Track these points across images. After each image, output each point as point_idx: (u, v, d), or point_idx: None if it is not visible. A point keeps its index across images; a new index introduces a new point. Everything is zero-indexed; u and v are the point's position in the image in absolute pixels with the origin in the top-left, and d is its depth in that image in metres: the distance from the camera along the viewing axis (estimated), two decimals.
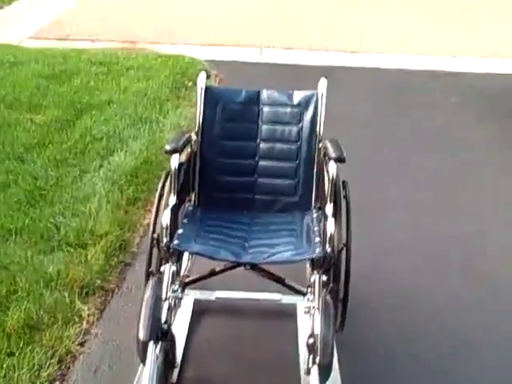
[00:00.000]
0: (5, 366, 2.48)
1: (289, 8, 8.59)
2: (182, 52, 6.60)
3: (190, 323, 2.84)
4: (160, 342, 2.13)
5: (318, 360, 1.98)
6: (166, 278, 2.27)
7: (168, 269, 2.29)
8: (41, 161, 4.15)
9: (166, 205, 2.41)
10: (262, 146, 2.74)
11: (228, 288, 2.90)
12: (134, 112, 5.03)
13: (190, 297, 2.97)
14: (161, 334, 2.14)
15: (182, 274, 2.72)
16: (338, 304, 2.49)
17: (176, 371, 2.53)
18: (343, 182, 2.59)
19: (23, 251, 3.19)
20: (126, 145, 4.46)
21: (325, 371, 2.01)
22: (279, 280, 2.58)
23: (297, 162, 2.71)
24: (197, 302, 2.95)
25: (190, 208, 2.70)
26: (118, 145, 4.46)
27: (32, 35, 7.41)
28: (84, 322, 2.80)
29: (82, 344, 2.70)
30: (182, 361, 2.60)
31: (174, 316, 2.40)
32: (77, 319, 2.81)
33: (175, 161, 2.45)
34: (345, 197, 2.55)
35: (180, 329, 2.78)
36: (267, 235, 2.53)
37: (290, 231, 2.53)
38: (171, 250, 2.31)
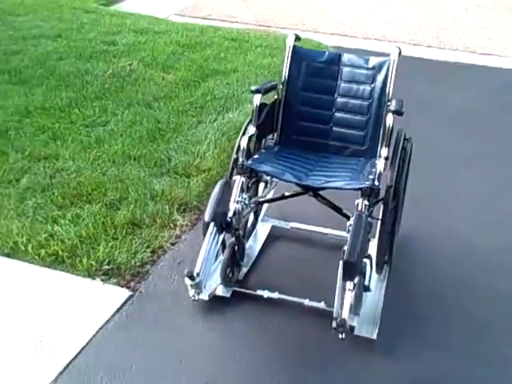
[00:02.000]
0: (109, 245, 3.12)
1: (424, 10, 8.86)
2: (312, 38, 7.09)
3: (264, 243, 3.36)
4: (224, 232, 2.67)
5: (343, 257, 2.42)
6: (236, 185, 2.79)
7: (238, 179, 2.82)
8: (165, 109, 4.83)
9: (246, 133, 2.95)
10: (339, 100, 3.18)
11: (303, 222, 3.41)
12: (255, 81, 5.56)
13: (269, 223, 3.51)
14: (225, 224, 2.67)
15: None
16: (387, 236, 2.91)
17: (243, 271, 3.06)
18: (405, 136, 3.01)
19: (137, 172, 3.85)
20: (242, 106, 5.02)
21: (347, 269, 2.42)
22: (336, 208, 3.02)
23: (367, 116, 3.13)
24: (274, 229, 3.47)
25: (271, 144, 3.22)
26: (235, 105, 5.04)
27: (177, 12, 8.24)
28: (177, 229, 3.40)
29: (173, 244, 3.29)
30: (251, 266, 3.13)
31: (242, 221, 2.91)
32: (172, 226, 3.41)
33: (257, 99, 2.99)
34: (404, 148, 2.96)
35: (255, 245, 3.33)
36: (330, 170, 2.98)
37: (351, 170, 2.97)
38: (244, 167, 2.84)
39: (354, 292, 2.57)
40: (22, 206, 3.40)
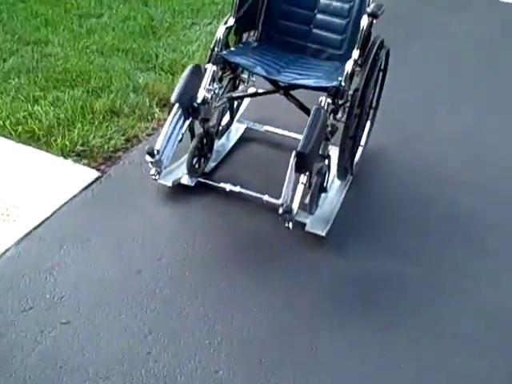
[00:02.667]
0: (85, 129, 3.22)
1: None
2: None
3: (236, 143, 3.45)
4: (190, 118, 2.76)
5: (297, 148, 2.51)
6: (207, 73, 2.85)
7: (210, 67, 2.87)
8: (162, 8, 4.83)
9: (225, 23, 2.98)
10: (322, 1, 3.19)
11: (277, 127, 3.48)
12: None
13: (244, 125, 3.58)
14: (191, 109, 2.75)
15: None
16: (350, 142, 2.99)
17: (211, 165, 3.17)
18: (383, 44, 3.04)
19: (123, 64, 3.91)
20: None
21: (300, 160, 2.51)
22: (304, 109, 3.07)
23: (347, 19, 3.13)
24: (248, 131, 3.55)
25: (250, 40, 3.25)
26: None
27: None
28: (155, 122, 3.49)
29: (148, 135, 3.39)
30: (219, 163, 3.24)
31: (212, 112, 2.98)
32: (149, 118, 3.50)
33: None
34: (377, 53, 2.99)
35: (227, 143, 3.42)
36: (302, 69, 3.01)
37: (323, 71, 3.00)
38: (218, 57, 2.89)
39: (308, 188, 2.69)
40: (5, 84, 3.49)
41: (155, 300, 2.39)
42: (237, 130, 3.54)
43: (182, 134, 2.77)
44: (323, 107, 2.66)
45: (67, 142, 3.11)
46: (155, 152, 2.59)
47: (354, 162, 3.26)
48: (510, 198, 3.27)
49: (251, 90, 3.38)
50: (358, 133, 3.06)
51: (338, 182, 3.22)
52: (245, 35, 3.27)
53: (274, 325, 2.36)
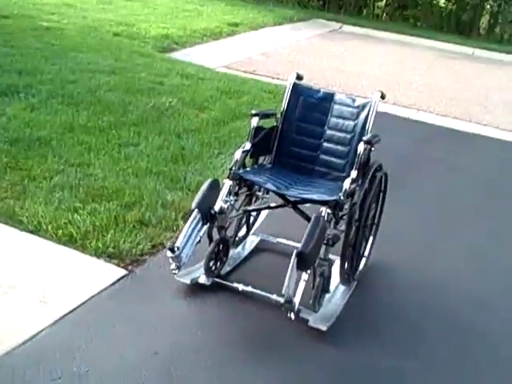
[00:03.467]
0: (117, 235, 3.66)
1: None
2: None
3: (251, 252, 3.84)
4: (208, 224, 3.18)
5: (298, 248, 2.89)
6: (225, 187, 3.31)
7: (227, 182, 3.34)
8: (192, 140, 5.42)
9: (242, 147, 3.49)
10: (328, 132, 3.69)
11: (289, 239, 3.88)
12: None
13: (258, 237, 3.99)
14: (209, 216, 3.18)
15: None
16: (348, 249, 3.36)
17: (226, 269, 3.54)
18: (380, 165, 3.50)
19: (154, 184, 4.41)
20: None
21: (300, 259, 2.87)
22: (309, 219, 3.45)
23: (349, 147, 3.62)
24: (262, 242, 3.96)
25: (265, 163, 3.74)
26: None
27: (225, 65, 8.97)
28: (178, 232, 3.89)
29: (173, 242, 3.79)
30: (234, 267, 3.61)
31: (227, 221, 3.40)
32: (174, 229, 3.92)
33: (254, 121, 3.56)
34: (374, 175, 3.44)
35: (242, 251, 3.80)
36: (309, 187, 3.46)
37: (327, 189, 3.44)
38: (234, 174, 3.36)
39: (312, 289, 3.04)
40: (50, 196, 3.98)
41: (169, 377, 2.69)
42: (252, 242, 3.94)
43: (201, 237, 3.19)
44: (322, 215, 3.06)
45: (100, 245, 3.53)
46: (175, 248, 3.00)
47: (357, 271, 3.61)
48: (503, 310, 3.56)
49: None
50: (357, 242, 3.43)
51: (342, 287, 3.55)
52: (261, 159, 3.78)
53: None
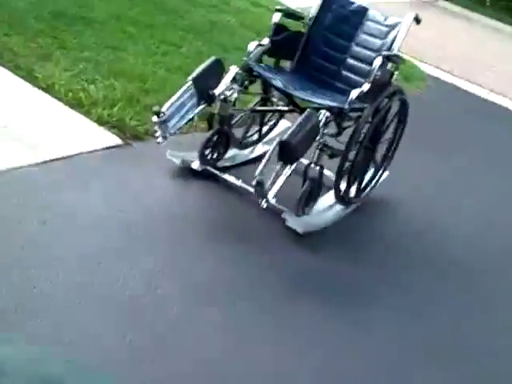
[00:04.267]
0: (126, 110, 3.63)
1: None
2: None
3: (257, 157, 3.75)
4: (205, 103, 3.09)
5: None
6: (230, 72, 3.20)
7: (233, 68, 3.22)
8: (236, 56, 5.33)
9: (259, 41, 3.37)
10: (354, 48, 3.52)
11: None
12: None
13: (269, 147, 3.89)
14: (207, 95, 3.08)
15: None
16: (346, 165, 3.22)
17: (225, 163, 3.45)
18: (399, 89, 3.34)
19: (181, 80, 4.34)
20: None
21: (282, 149, 2.77)
22: None
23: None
24: None
25: (284, 68, 3.61)
26: None
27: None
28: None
29: (182, 133, 3.74)
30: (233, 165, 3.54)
31: (229, 110, 3.27)
32: None
33: (276, 17, 3.44)
34: (391, 96, 3.28)
35: (249, 154, 3.69)
36: (319, 94, 3.31)
37: (337, 99, 3.25)
38: (245, 64, 3.26)
39: (300, 192, 2.94)
40: (73, 65, 3.98)
41: (128, 233, 2.67)
42: (262, 149, 3.83)
43: (194, 115, 3.11)
44: (315, 112, 2.92)
45: (105, 114, 3.51)
46: (161, 113, 2.92)
47: (359, 194, 3.48)
48: None
49: None
50: (357, 161, 3.27)
51: (339, 207, 3.42)
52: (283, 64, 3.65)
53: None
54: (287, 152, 2.80)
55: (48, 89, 3.63)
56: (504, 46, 10.81)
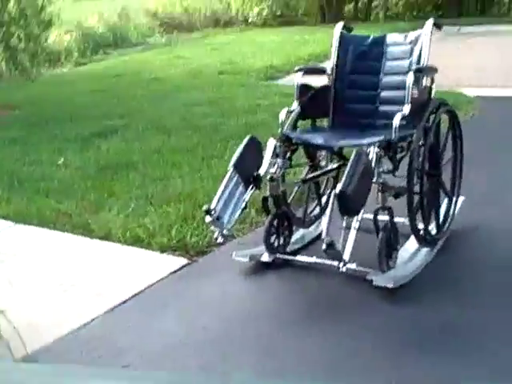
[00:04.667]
0: (184, 230, 3.59)
1: None
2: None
3: None
4: (250, 186, 2.98)
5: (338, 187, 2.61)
6: (269, 147, 3.10)
7: (270, 141, 3.13)
8: None
9: (288, 108, 3.28)
10: (384, 79, 3.36)
11: None
12: None
13: None
14: (252, 178, 2.98)
15: None
16: (415, 200, 3.01)
17: (294, 247, 3.31)
18: (442, 101, 3.16)
19: None
20: None
21: (341, 201, 2.60)
22: None
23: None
24: None
25: (323, 126, 3.50)
26: None
27: None
28: (249, 223, 3.77)
29: (243, 234, 3.66)
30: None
31: (280, 189, 3.15)
32: (247, 221, 3.77)
33: (298, 78, 3.36)
34: (436, 111, 3.10)
35: (315, 232, 3.54)
36: (362, 136, 3.12)
37: (380, 135, 3.06)
38: (281, 135, 3.16)
39: (378, 246, 2.75)
40: (125, 206, 4.01)
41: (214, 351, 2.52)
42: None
43: (246, 202, 3.01)
44: (363, 151, 2.76)
45: (165, 240, 3.47)
46: (211, 211, 2.83)
47: (440, 230, 3.24)
48: None
49: None
50: (425, 192, 3.05)
51: (424, 250, 3.19)
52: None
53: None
54: (346, 203, 2.63)
55: (106, 236, 3.64)
56: None
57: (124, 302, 2.95)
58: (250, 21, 19.25)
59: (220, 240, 2.96)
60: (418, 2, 19.96)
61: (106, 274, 3.25)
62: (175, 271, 3.21)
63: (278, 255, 3.19)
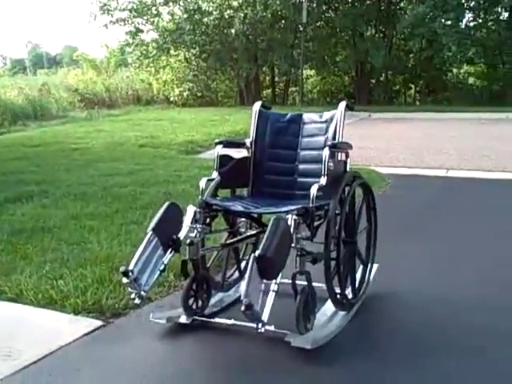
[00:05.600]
0: (100, 292, 3.50)
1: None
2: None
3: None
4: (170, 250, 2.98)
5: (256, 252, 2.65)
6: (188, 213, 3.13)
7: (190, 208, 3.15)
8: None
9: (207, 177, 3.35)
10: (301, 153, 3.53)
11: None
12: None
13: None
14: (171, 241, 2.99)
15: None
16: (331, 265, 3.08)
17: (213, 310, 3.29)
18: (356, 174, 3.31)
19: None
20: None
21: (260, 264, 2.63)
22: None
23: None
24: None
25: (242, 194, 3.57)
26: None
27: None
28: (168, 286, 3.72)
29: (161, 296, 3.61)
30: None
31: (199, 253, 3.15)
32: (165, 284, 3.73)
33: (218, 149, 3.44)
34: (350, 183, 3.24)
35: (234, 295, 3.52)
36: (282, 205, 3.21)
37: (299, 203, 3.16)
38: (200, 202, 3.20)
39: (296, 308, 2.77)
40: (39, 269, 3.89)
41: None
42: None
43: (165, 265, 2.99)
44: (282, 218, 2.83)
45: (80, 302, 3.37)
46: (129, 272, 2.80)
47: (356, 295, 3.32)
48: None
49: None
50: (341, 258, 3.13)
51: (340, 314, 3.24)
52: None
53: None
54: (266, 266, 2.67)
55: (17, 298, 3.50)
56: (446, 130, 11.23)
57: (34, 362, 2.81)
58: (171, 100, 19.65)
59: (137, 301, 2.91)
60: (332, 89, 21.05)
61: (16, 335, 3.10)
62: (89, 333, 3.11)
63: (196, 317, 3.16)
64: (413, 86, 20.23)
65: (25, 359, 2.83)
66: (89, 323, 3.21)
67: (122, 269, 2.86)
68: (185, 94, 19.48)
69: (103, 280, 3.69)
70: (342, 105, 3.46)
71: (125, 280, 2.84)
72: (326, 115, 3.52)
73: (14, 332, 3.14)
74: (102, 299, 3.44)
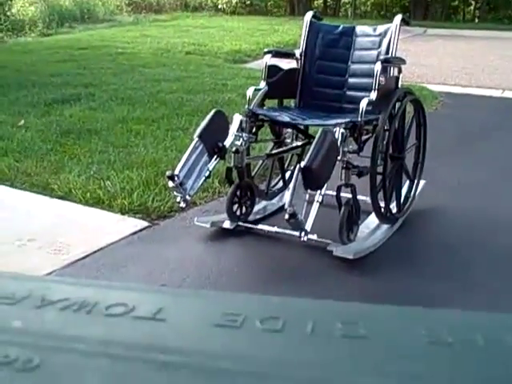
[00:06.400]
0: (146, 194, 3.56)
1: None
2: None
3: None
4: (215, 157, 2.99)
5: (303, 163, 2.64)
6: (234, 122, 3.11)
7: (236, 116, 3.14)
8: None
9: (256, 87, 3.30)
10: (352, 66, 3.45)
11: None
12: None
13: None
14: (217, 149, 2.99)
15: None
16: (377, 179, 3.05)
17: (256, 217, 3.32)
18: (408, 90, 3.22)
19: None
20: None
21: (305, 175, 2.62)
22: None
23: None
24: None
25: (289, 105, 3.53)
26: None
27: None
28: (212, 192, 3.77)
29: (206, 202, 3.66)
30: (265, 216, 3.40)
31: (244, 161, 3.13)
32: (209, 190, 3.77)
33: (266, 58, 3.37)
34: (401, 99, 3.16)
35: (278, 203, 3.54)
36: (331, 118, 3.19)
37: (347, 117, 3.13)
38: (247, 111, 3.17)
39: (340, 219, 2.78)
40: (86, 169, 3.97)
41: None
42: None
43: (210, 171, 3.01)
44: (330, 130, 2.79)
45: (126, 203, 3.44)
46: (175, 177, 2.82)
47: (400, 210, 3.30)
48: None
49: None
50: (387, 173, 3.10)
51: (384, 226, 3.24)
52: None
53: None
54: (311, 177, 2.66)
55: (66, 196, 3.59)
56: (506, 49, 10.78)
57: (83, 258, 2.91)
58: (219, 7, 19.24)
59: (182, 205, 2.95)
60: (386, 2, 20.27)
61: (65, 231, 3.20)
62: (135, 232, 3.19)
63: (240, 223, 3.20)
64: (473, 1, 19.36)
65: (74, 254, 2.93)
66: (135, 223, 3.28)
67: (168, 173, 2.88)
68: (233, 1, 19.01)
69: (149, 183, 3.75)
70: (398, 18, 3.33)
71: (171, 184, 2.87)
72: (380, 28, 3.41)
73: (63, 228, 3.23)
74: (148, 201, 3.51)
